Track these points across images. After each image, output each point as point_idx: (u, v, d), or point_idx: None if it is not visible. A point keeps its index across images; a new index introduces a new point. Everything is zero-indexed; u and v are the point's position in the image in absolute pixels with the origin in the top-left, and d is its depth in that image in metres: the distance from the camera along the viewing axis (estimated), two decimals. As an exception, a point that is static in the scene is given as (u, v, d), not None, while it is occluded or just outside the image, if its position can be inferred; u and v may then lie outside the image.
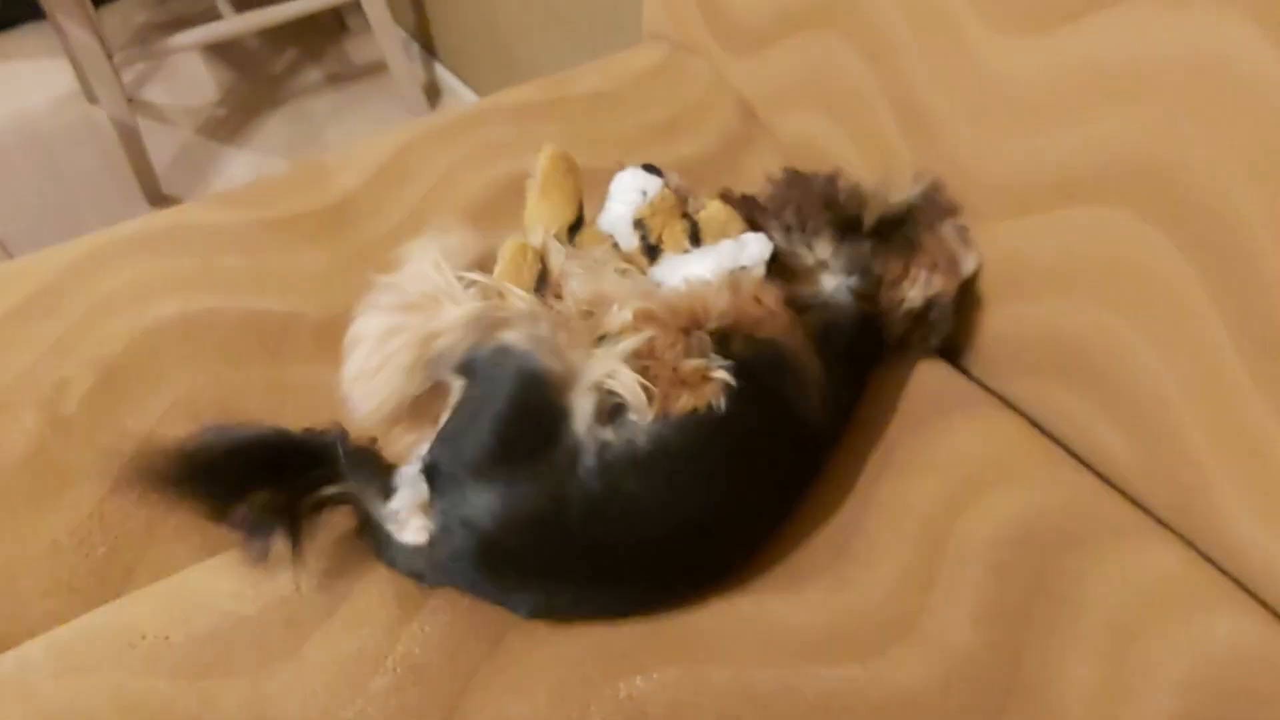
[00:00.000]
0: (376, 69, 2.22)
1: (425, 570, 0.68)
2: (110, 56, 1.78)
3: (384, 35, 2.00)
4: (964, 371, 0.87)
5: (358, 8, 2.09)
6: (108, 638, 0.69)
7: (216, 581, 0.72)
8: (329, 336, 0.83)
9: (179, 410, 0.80)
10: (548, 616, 0.68)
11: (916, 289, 0.80)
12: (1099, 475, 0.78)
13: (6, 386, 0.81)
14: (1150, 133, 0.67)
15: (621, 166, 0.80)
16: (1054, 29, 0.72)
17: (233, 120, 2.13)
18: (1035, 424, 0.82)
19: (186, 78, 2.23)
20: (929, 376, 0.85)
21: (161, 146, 2.03)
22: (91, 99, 2.16)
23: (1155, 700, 0.65)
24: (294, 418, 0.80)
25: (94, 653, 0.69)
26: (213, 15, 2.17)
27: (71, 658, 0.69)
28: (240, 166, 2.01)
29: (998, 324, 0.82)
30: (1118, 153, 0.70)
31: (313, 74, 2.25)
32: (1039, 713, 0.65)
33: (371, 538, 0.69)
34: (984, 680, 0.66)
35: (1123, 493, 0.77)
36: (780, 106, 1.00)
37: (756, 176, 1.00)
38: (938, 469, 0.77)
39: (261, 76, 2.24)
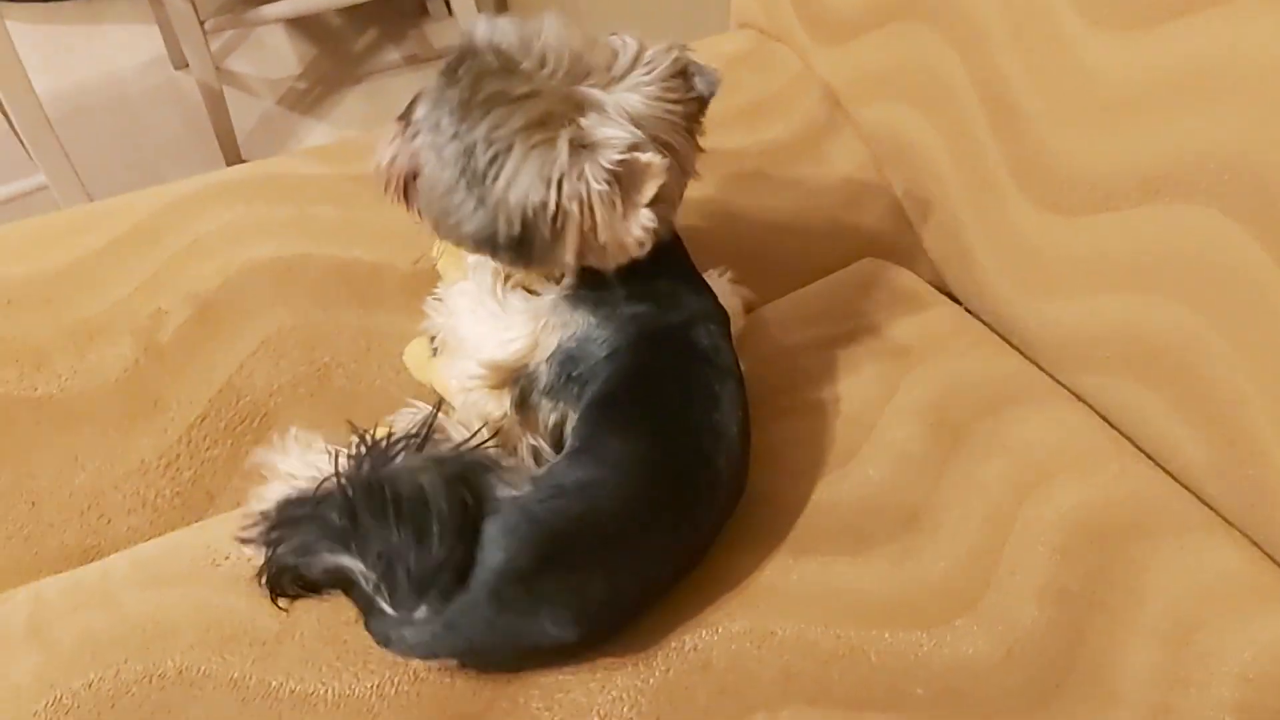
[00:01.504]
0: (454, 53, 2.25)
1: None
2: (202, 23, 1.83)
3: (466, 20, 2.04)
4: (1034, 363, 0.87)
5: (441, -9, 2.13)
6: (192, 555, 0.72)
7: (299, 510, 0.74)
8: (415, 288, 0.85)
9: (269, 347, 0.83)
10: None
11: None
12: (1166, 471, 0.78)
13: (105, 313, 0.84)
14: (1243, 131, 0.67)
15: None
16: (1154, 25, 0.72)
17: (312, 93, 2.17)
18: (1104, 418, 0.82)
19: (270, 50, 2.28)
20: (1001, 367, 0.86)
21: (243, 115, 2.07)
22: (178, 65, 2.21)
23: (1214, 690, 0.65)
24: (378, 362, 0.84)
25: (178, 568, 0.71)
26: (299, -10, 2.22)
27: (156, 571, 0.71)
28: (318, 137, 2.05)
29: (1074, 317, 0.82)
30: (1208, 150, 0.70)
31: (392, 53, 2.28)
32: (1097, 693, 0.65)
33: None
34: (1045, 657, 0.66)
35: (1189, 490, 0.77)
36: (865, 97, 1.01)
37: (837, 164, 1.01)
38: (1008, 453, 0.77)
39: (343, 53, 2.28)
